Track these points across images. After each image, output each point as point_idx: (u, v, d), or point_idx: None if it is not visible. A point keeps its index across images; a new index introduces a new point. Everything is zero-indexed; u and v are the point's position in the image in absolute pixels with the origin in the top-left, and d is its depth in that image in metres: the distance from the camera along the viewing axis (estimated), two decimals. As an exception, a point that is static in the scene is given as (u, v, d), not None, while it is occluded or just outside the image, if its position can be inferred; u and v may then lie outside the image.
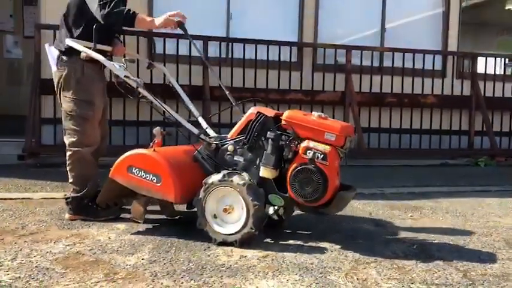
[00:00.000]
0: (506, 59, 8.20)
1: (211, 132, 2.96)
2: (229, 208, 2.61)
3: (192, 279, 2.11)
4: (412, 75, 6.86)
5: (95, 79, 3.07)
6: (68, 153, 3.07)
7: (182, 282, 2.07)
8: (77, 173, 3.07)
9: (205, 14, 6.51)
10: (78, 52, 2.97)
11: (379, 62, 7.09)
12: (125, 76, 2.89)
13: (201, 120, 3.11)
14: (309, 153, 2.52)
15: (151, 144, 2.94)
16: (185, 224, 3.03)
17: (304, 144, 2.55)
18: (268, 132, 2.60)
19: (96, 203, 3.06)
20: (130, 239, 2.71)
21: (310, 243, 2.69)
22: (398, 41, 7.13)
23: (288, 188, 2.56)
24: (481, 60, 7.51)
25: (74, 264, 2.27)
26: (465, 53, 7.75)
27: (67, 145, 3.07)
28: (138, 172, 2.72)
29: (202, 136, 2.83)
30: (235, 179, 2.57)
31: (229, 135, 2.79)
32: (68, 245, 2.57)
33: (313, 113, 2.68)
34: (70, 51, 3.00)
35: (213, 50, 6.37)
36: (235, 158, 2.72)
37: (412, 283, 2.13)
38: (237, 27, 6.60)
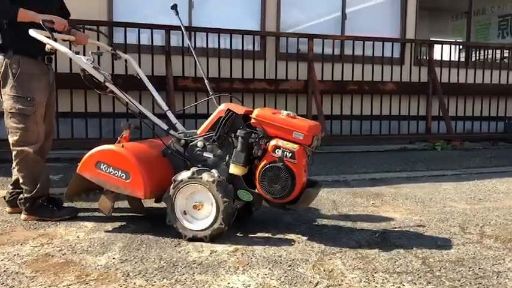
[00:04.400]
0: (461, 46, 8.51)
1: (180, 127, 2.98)
2: (198, 205, 2.65)
3: (164, 278, 2.14)
4: (372, 62, 7.04)
5: (35, 74, 2.98)
6: (13, 153, 3.00)
7: (155, 281, 2.11)
8: (25, 173, 3.01)
9: (166, 3, 6.41)
10: (12, 46, 2.90)
11: (340, 50, 7.22)
12: (92, 69, 2.80)
13: (169, 114, 3.10)
14: (278, 151, 2.58)
15: (118, 139, 2.91)
16: (154, 219, 3.05)
17: (273, 142, 2.60)
18: (239, 131, 2.64)
19: (52, 202, 3.06)
20: (99, 237, 2.71)
21: (277, 236, 2.77)
22: (358, 29, 7.28)
23: (257, 185, 2.63)
24: (437, 47, 7.77)
25: (43, 266, 2.26)
26: (422, 41, 7.99)
27: (11, 144, 3.00)
28: (106, 168, 2.71)
29: (171, 132, 2.85)
30: (205, 176, 2.61)
31: (198, 131, 2.82)
32: (36, 246, 2.55)
33: (282, 111, 2.73)
34: (3, 46, 2.92)
35: (175, 40, 6.31)
36: (205, 154, 2.76)
37: (376, 272, 2.25)
38: (199, 16, 6.56)
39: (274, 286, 2.08)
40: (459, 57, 8.02)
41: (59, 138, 5.53)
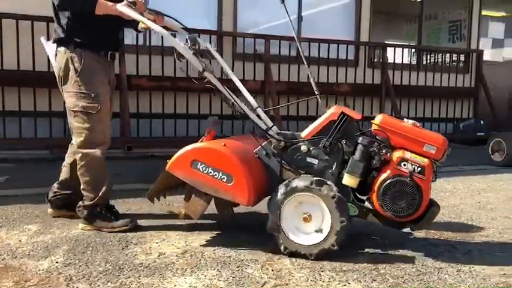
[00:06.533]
0: (413, 49, 8.78)
1: (275, 129, 2.68)
2: (308, 217, 2.42)
3: (108, 281, 2.09)
4: (327, 64, 7.15)
5: (97, 69, 2.80)
6: (78, 155, 2.78)
7: (98, 285, 2.05)
8: (89, 179, 2.79)
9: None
10: (74, 39, 2.73)
11: (297, 51, 7.28)
12: (192, 56, 2.57)
13: (261, 112, 2.76)
14: (405, 164, 2.34)
15: (205, 134, 2.65)
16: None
17: (398, 154, 2.38)
18: (360, 138, 2.41)
19: (109, 210, 2.85)
20: (43, 240, 2.61)
21: (228, 237, 2.76)
22: (314, 31, 7.38)
23: (375, 200, 2.39)
24: (390, 50, 8.00)
25: (-20, 273, 2.16)
26: (376, 44, 8.19)
27: (76, 146, 2.80)
28: (204, 168, 2.43)
29: (270, 132, 2.58)
30: (325, 189, 2.36)
31: (303, 134, 2.56)
32: (-26, 251, 2.43)
33: (405, 120, 2.53)
34: (65, 39, 2.75)
35: (130, 38, 6.18)
36: (308, 159, 2.51)
37: (323, 271, 2.27)
38: (154, 14, 6.45)
39: (221, 287, 2.07)
40: (411, 60, 8.27)
41: (5, 138, 5.32)
